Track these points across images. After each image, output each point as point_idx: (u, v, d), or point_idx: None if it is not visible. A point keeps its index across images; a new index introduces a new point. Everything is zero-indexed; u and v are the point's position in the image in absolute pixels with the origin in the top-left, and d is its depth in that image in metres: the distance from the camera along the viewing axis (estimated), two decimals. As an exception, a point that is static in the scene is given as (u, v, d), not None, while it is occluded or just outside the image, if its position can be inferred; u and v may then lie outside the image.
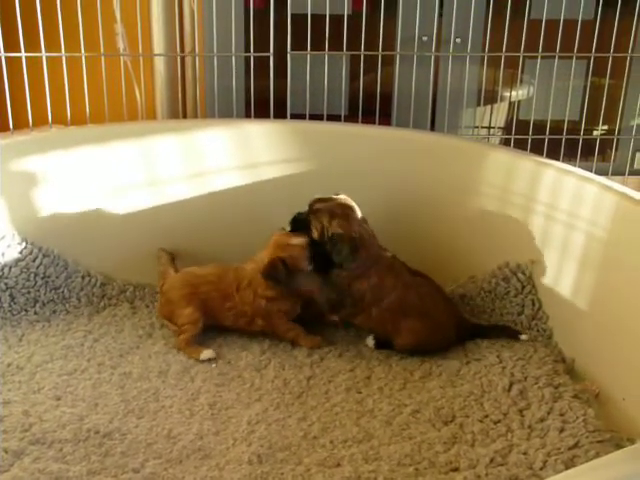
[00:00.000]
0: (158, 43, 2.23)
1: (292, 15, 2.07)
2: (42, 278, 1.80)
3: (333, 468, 1.32)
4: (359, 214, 1.65)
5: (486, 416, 1.45)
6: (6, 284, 1.75)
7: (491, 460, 1.32)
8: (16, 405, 1.44)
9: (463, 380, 1.56)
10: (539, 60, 2.11)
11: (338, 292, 1.65)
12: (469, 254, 1.86)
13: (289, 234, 1.65)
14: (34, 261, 1.79)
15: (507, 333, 1.70)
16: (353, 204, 1.65)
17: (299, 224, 1.64)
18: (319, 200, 1.64)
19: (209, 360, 1.63)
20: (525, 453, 1.34)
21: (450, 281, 1.85)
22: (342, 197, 1.66)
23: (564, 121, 2.18)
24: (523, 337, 1.67)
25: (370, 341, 1.70)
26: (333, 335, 1.74)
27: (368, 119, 2.15)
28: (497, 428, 1.41)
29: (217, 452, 1.35)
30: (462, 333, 1.69)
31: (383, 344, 1.69)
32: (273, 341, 1.70)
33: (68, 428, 1.38)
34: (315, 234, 1.62)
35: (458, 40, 2.17)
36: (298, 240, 1.63)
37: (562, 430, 1.38)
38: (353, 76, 2.21)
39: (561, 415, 1.43)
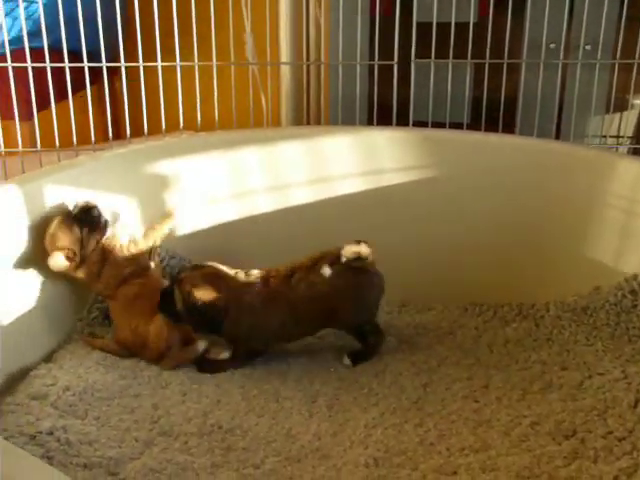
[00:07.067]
0: (285, 52, 2.28)
1: (417, 24, 2.08)
2: (170, 278, 1.87)
3: (450, 476, 1.31)
4: (231, 274, 1.60)
5: (610, 432, 1.40)
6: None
7: (615, 478, 1.28)
8: (146, 398, 1.51)
9: (585, 394, 1.52)
10: (674, 66, 2.03)
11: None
12: (594, 265, 1.80)
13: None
14: (161, 262, 1.85)
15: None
16: (221, 269, 1.60)
17: (166, 297, 1.61)
18: (185, 269, 1.63)
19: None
20: (652, 473, 1.29)
21: (573, 292, 1.81)
22: (210, 264, 1.61)
23: (700, 129, 2.09)
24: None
25: (346, 360, 1.66)
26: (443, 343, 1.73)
27: (491, 127, 2.12)
28: (621, 445, 1.36)
29: (335, 453, 1.37)
30: None
31: (358, 358, 1.67)
32: (390, 347, 1.71)
33: (193, 422, 1.44)
34: (179, 305, 1.58)
35: (588, 47, 2.12)
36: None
37: (692, 451, 1.33)
38: (477, 83, 2.19)
39: (691, 435, 1.37)
